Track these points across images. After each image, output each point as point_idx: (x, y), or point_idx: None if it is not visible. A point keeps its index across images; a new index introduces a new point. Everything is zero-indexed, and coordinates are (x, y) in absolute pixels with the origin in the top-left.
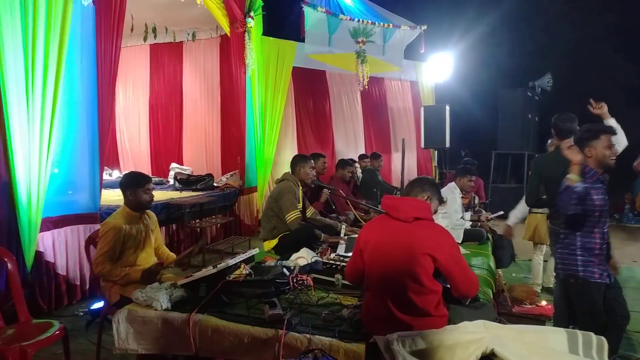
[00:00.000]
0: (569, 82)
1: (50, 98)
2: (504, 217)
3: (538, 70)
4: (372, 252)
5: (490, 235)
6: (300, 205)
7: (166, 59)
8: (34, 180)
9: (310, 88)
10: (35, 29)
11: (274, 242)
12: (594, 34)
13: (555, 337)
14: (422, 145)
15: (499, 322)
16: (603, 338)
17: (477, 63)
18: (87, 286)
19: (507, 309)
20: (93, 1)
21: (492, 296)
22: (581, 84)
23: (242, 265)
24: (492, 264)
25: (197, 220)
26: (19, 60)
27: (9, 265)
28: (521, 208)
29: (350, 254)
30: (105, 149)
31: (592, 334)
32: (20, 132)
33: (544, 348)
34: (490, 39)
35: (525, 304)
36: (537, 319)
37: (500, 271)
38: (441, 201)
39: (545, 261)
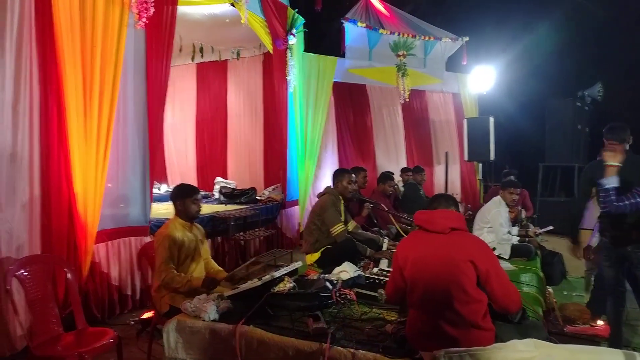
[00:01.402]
0: (621, 91)
1: (105, 116)
2: (554, 232)
3: (588, 80)
4: (413, 268)
5: (538, 251)
6: (342, 219)
7: (212, 76)
8: (90, 194)
9: (350, 102)
10: (93, 52)
11: (317, 255)
12: None
13: (610, 358)
14: (466, 157)
15: (550, 341)
16: None
17: (523, 73)
18: (138, 296)
19: (559, 328)
20: (145, 24)
21: (542, 315)
22: (634, 93)
23: (286, 278)
24: (542, 281)
25: (241, 233)
26: (78, 81)
27: (69, 275)
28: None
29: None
30: (155, 164)
31: None
32: (79, 149)
33: None
34: (536, 48)
35: (578, 324)
36: (592, 340)
37: (550, 289)
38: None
39: None
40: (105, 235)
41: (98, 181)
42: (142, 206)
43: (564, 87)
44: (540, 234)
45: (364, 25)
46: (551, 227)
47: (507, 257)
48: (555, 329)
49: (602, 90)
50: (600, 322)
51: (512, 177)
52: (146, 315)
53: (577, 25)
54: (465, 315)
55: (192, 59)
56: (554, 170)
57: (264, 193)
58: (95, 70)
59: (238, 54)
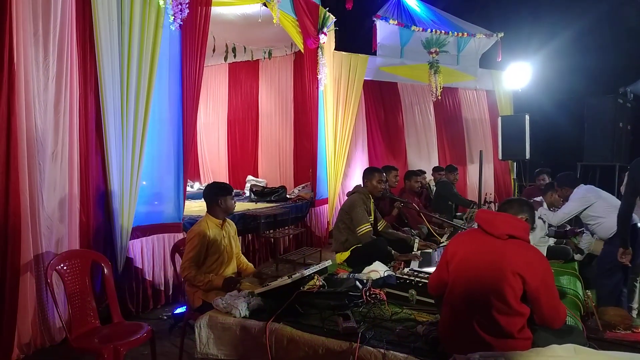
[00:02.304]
0: None
1: (141, 116)
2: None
3: (630, 75)
4: (459, 266)
5: (577, 253)
6: (371, 218)
7: (243, 76)
8: (127, 191)
9: (381, 100)
10: (130, 52)
11: (346, 254)
12: None
13: None
14: (500, 156)
15: (590, 347)
16: None
17: (560, 69)
18: (171, 292)
19: (598, 334)
20: (180, 25)
21: (580, 319)
22: None
23: (316, 277)
24: (580, 284)
25: (271, 231)
26: (116, 82)
27: (105, 270)
28: None
29: (425, 269)
30: (189, 162)
31: None
32: (116, 147)
33: None
34: (575, 43)
35: (619, 329)
36: (634, 347)
37: (589, 292)
38: (533, 219)
39: None
40: (139, 232)
41: (134, 179)
42: (176, 204)
43: (605, 83)
44: (579, 233)
45: (396, 22)
46: None
47: None
48: (595, 335)
49: None
50: None
51: (546, 176)
52: (179, 310)
53: (619, 19)
54: (503, 325)
55: (225, 59)
56: (593, 169)
57: (293, 191)
58: (132, 71)
59: (270, 54)
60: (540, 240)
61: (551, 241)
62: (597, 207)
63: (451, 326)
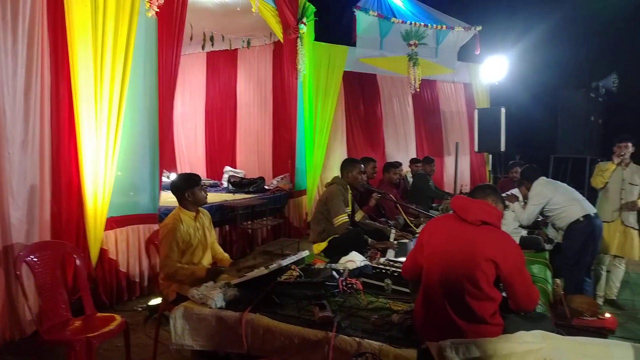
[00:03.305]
0: (637, 82)
1: (116, 105)
2: None
3: (602, 70)
4: (432, 252)
5: (547, 243)
6: (349, 209)
7: (222, 65)
8: (100, 182)
9: (360, 92)
10: (104, 39)
11: (324, 244)
12: None
13: (620, 351)
14: (476, 149)
15: (558, 333)
16: None
17: (536, 63)
18: (146, 283)
19: (566, 320)
20: (156, 12)
21: (549, 307)
22: None
23: (293, 267)
24: (550, 273)
25: (249, 222)
26: (89, 70)
27: (78, 261)
28: None
29: (400, 259)
30: (165, 152)
31: None
32: (89, 137)
33: None
34: (550, 38)
35: (586, 316)
36: (599, 332)
37: (558, 281)
38: (504, 206)
39: (608, 271)
40: (114, 223)
41: (108, 169)
42: (152, 194)
43: (578, 77)
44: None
45: (376, 14)
46: None
47: None
48: (563, 321)
49: (617, 81)
50: (607, 315)
51: (519, 168)
52: (154, 302)
53: (593, 14)
54: (475, 310)
55: (203, 47)
56: (565, 162)
57: (272, 182)
58: (106, 58)
59: (248, 43)
60: (513, 230)
61: (524, 231)
62: (555, 201)
63: (426, 313)
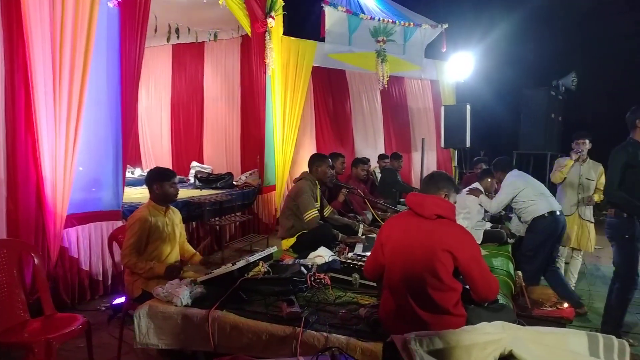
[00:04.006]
0: (595, 81)
1: (76, 97)
2: None
3: (562, 69)
4: (393, 248)
5: (510, 237)
6: (318, 205)
7: (188, 59)
8: (60, 177)
9: (330, 87)
10: (62, 30)
11: (292, 240)
12: (622, 31)
13: (575, 339)
14: (442, 145)
15: (519, 324)
16: (625, 342)
17: (500, 62)
18: (109, 282)
19: (527, 311)
20: (118, 2)
21: (511, 298)
22: (607, 83)
23: (261, 263)
24: (512, 265)
25: (217, 218)
26: (47, 60)
27: (35, 260)
28: None
29: (368, 254)
30: (129, 147)
31: (613, 337)
32: (47, 131)
33: (564, 350)
34: (513, 37)
35: (546, 307)
36: (558, 322)
37: (520, 273)
38: (457, 192)
39: (566, 263)
40: (75, 220)
41: (68, 164)
42: (115, 190)
43: (539, 76)
44: (512, 217)
45: (344, 9)
46: None
47: (479, 242)
48: (524, 312)
49: (576, 80)
50: (565, 305)
51: (484, 164)
52: (117, 300)
53: (554, 15)
54: (437, 301)
55: (168, 39)
56: (527, 157)
57: (240, 178)
58: (65, 49)
59: (215, 36)
60: (477, 224)
61: (487, 225)
62: (524, 193)
63: (391, 307)
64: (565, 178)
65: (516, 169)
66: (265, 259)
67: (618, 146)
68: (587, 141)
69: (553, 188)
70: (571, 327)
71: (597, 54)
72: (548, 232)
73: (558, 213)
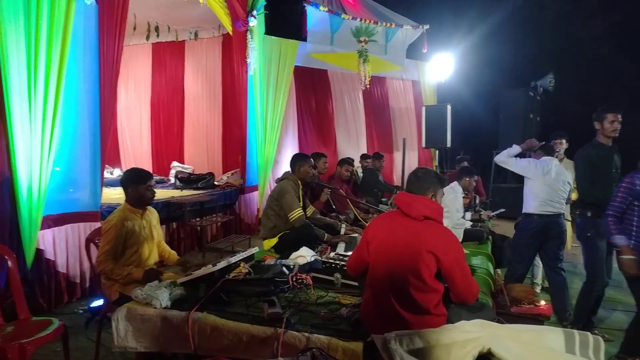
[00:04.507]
0: (571, 82)
1: (52, 96)
2: (505, 214)
3: (540, 70)
4: (378, 247)
5: (489, 236)
6: (301, 204)
7: (168, 57)
8: (35, 177)
9: (312, 87)
10: (38, 27)
11: (274, 240)
12: (597, 34)
13: (552, 336)
14: (424, 144)
15: (498, 321)
16: (600, 338)
17: (480, 63)
18: (87, 284)
19: (506, 308)
20: (96, 0)
21: (491, 296)
22: (583, 84)
23: (242, 264)
24: (491, 264)
25: (198, 219)
26: (21, 58)
27: (9, 263)
28: None
29: (350, 253)
30: (107, 147)
31: (589, 333)
32: (22, 130)
33: (541, 347)
34: (492, 38)
35: (524, 304)
36: (536, 319)
37: (499, 271)
38: (443, 186)
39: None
40: (51, 221)
41: (44, 164)
42: (93, 190)
43: (518, 77)
44: (493, 217)
45: (326, 9)
46: (503, 210)
47: (460, 240)
48: (503, 310)
49: (554, 81)
50: (543, 302)
51: (466, 163)
52: (95, 303)
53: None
54: (419, 302)
55: (147, 38)
56: None
57: (222, 178)
58: (40, 47)
59: (196, 35)
60: (457, 223)
61: (468, 224)
62: (531, 183)
63: (373, 306)
64: None
65: (556, 161)
66: (246, 259)
67: (581, 148)
68: (564, 141)
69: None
70: (549, 324)
71: (572, 56)
72: (530, 232)
73: (551, 214)
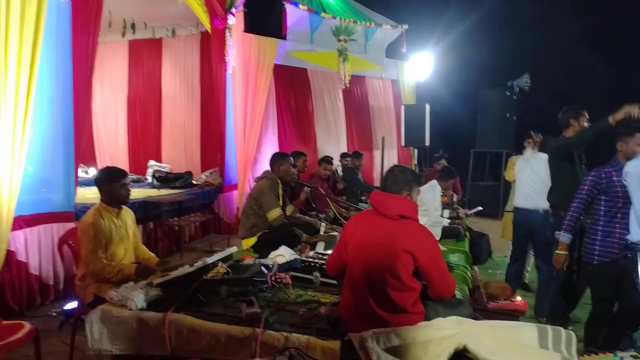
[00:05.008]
0: (547, 82)
1: (23, 94)
2: (482, 212)
3: (516, 71)
4: (356, 246)
5: (467, 233)
6: (280, 203)
7: (145, 55)
8: (6, 177)
9: (292, 86)
10: (8, 23)
11: (253, 240)
12: (571, 35)
13: (526, 332)
14: (403, 143)
15: (475, 317)
16: (572, 333)
17: (458, 62)
18: (61, 286)
19: (483, 304)
20: None
21: (468, 292)
22: (558, 84)
23: (220, 264)
24: (469, 261)
25: (176, 219)
26: None
27: None
28: None
29: (329, 252)
30: (81, 146)
31: (561, 329)
32: None
33: (516, 343)
34: (470, 38)
35: (500, 300)
36: (512, 315)
37: (476, 267)
38: (419, 183)
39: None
40: (23, 222)
41: (15, 164)
42: (67, 190)
43: (495, 77)
44: (470, 215)
45: (306, 8)
46: (480, 208)
47: (438, 238)
48: (480, 306)
49: (530, 81)
50: (518, 298)
51: (444, 161)
52: (69, 305)
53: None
54: (397, 301)
55: (123, 35)
56: (483, 156)
57: (200, 177)
58: (10, 43)
59: (173, 32)
60: (435, 220)
61: (446, 222)
62: (518, 176)
63: (351, 305)
64: None
65: (544, 155)
66: (224, 259)
67: (552, 148)
68: (538, 139)
69: (507, 185)
70: (524, 319)
71: (547, 57)
72: (515, 226)
73: (529, 209)
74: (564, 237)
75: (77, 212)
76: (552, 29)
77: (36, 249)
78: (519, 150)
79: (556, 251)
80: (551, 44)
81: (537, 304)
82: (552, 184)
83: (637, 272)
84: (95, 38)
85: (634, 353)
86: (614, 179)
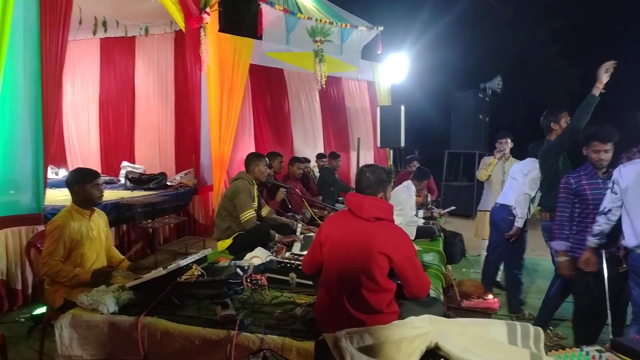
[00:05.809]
0: (518, 85)
1: None
2: (456, 212)
3: (489, 73)
4: (331, 248)
5: (441, 233)
6: (255, 204)
7: (117, 53)
8: None
9: (268, 86)
10: None
11: (228, 241)
12: (541, 39)
13: (495, 329)
14: (379, 144)
15: (448, 316)
16: (540, 329)
17: (432, 64)
18: (30, 291)
19: (456, 303)
20: None
21: (442, 291)
22: (528, 87)
23: (194, 266)
24: (443, 260)
25: (149, 221)
26: None
27: None
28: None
29: (305, 253)
30: (51, 146)
31: (529, 325)
32: None
33: (486, 340)
34: (444, 41)
35: (474, 298)
36: (484, 312)
37: (450, 267)
38: (392, 182)
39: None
40: None
41: None
42: (35, 192)
43: (468, 79)
44: (444, 214)
45: (281, 8)
46: (453, 207)
47: (413, 238)
48: (454, 304)
49: (501, 83)
50: (490, 296)
51: (417, 163)
52: (38, 311)
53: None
54: (372, 302)
55: (94, 33)
56: (457, 156)
57: (175, 178)
58: None
59: (146, 31)
60: (410, 220)
61: (420, 222)
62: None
63: (326, 306)
64: (490, 176)
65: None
66: (199, 261)
67: (542, 152)
68: (508, 140)
69: (480, 185)
70: (497, 316)
71: (519, 60)
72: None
73: (497, 205)
74: (557, 245)
75: (47, 215)
76: (524, 33)
77: (3, 253)
78: (492, 151)
79: (556, 259)
80: (520, 47)
81: (509, 301)
82: (547, 188)
83: (602, 268)
84: (65, 35)
85: (598, 347)
86: (583, 182)
